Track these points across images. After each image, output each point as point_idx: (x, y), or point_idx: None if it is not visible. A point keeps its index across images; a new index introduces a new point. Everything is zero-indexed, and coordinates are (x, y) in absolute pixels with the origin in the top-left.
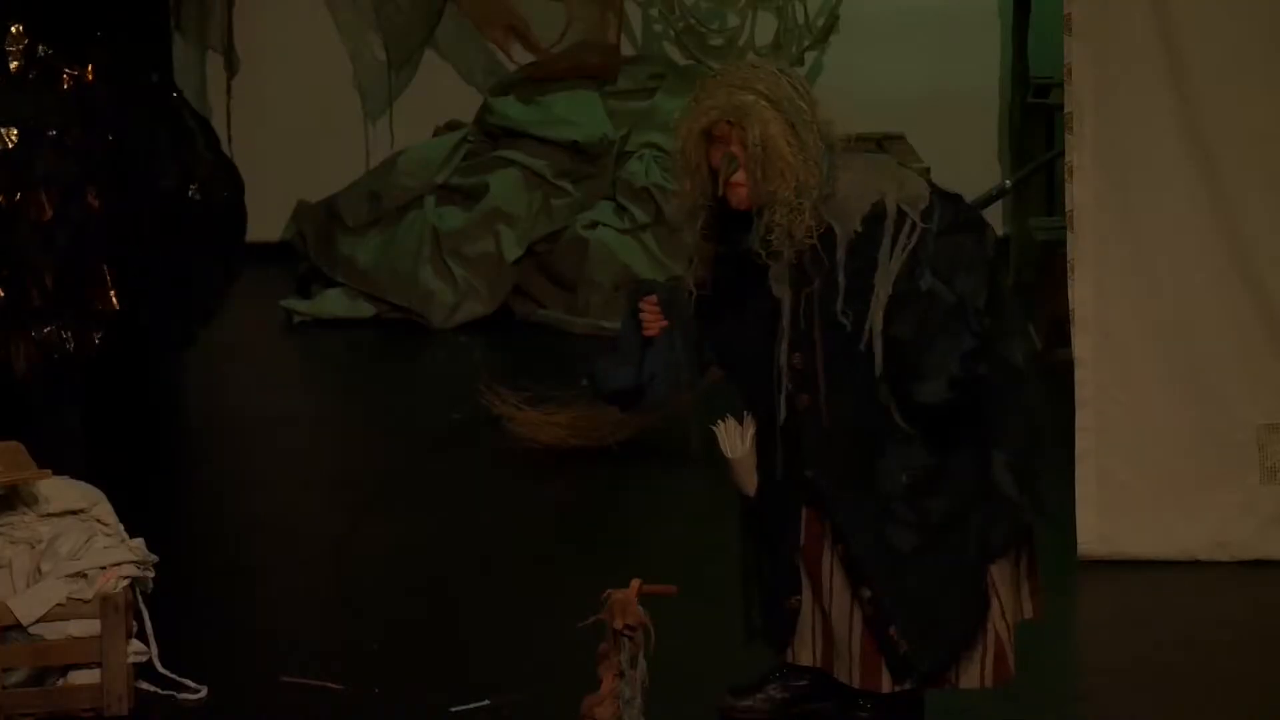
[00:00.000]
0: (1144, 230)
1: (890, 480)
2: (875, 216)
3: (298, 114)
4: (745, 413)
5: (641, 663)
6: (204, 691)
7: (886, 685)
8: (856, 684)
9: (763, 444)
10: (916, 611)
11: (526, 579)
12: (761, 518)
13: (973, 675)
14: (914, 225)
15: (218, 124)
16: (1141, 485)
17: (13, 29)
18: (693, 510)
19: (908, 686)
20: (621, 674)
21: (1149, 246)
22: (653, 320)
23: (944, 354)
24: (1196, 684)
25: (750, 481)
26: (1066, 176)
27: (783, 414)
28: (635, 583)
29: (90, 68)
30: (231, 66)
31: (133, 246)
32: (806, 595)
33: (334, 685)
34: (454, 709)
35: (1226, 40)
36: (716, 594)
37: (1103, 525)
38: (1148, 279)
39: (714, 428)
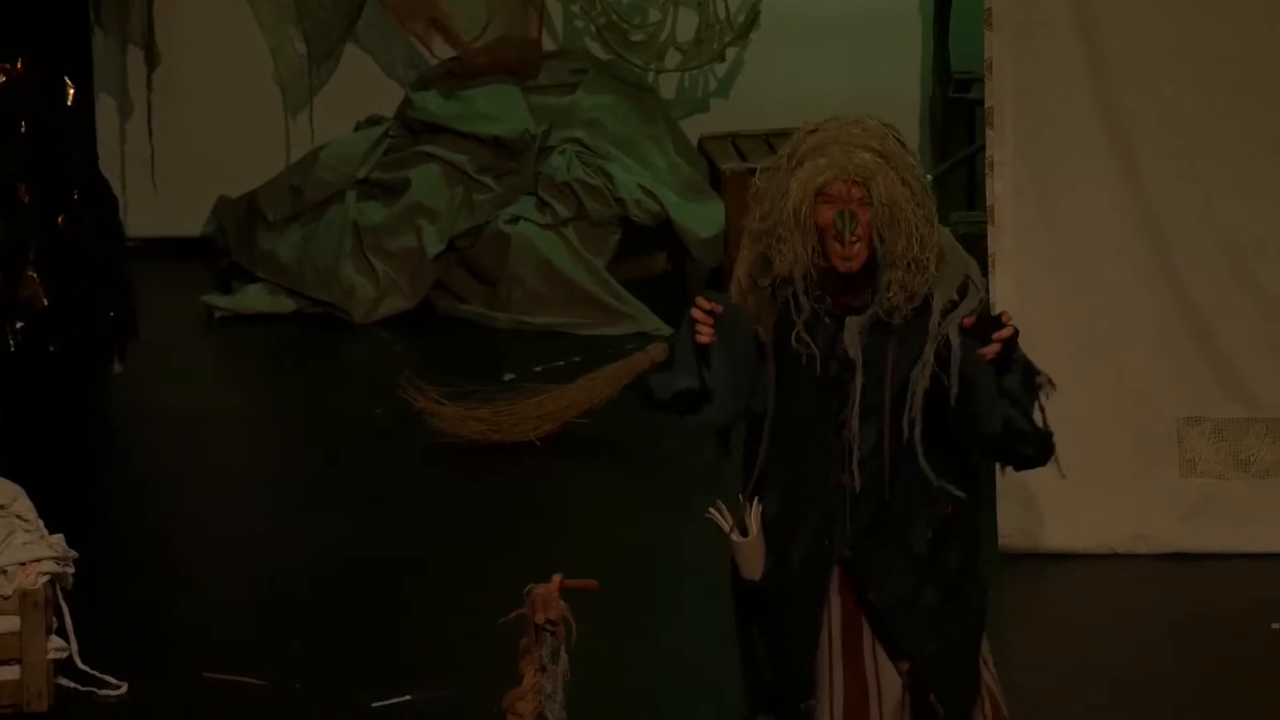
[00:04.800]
0: (1064, 224)
1: (921, 539)
2: (962, 289)
3: (218, 108)
4: (741, 494)
5: (563, 657)
6: (124, 688)
7: None
8: None
9: (789, 522)
10: (945, 669)
11: (448, 574)
12: (766, 607)
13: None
14: (982, 302)
15: (138, 118)
16: (1061, 479)
17: None
18: (614, 505)
19: None
20: (543, 668)
21: (1069, 240)
22: (706, 325)
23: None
24: (1117, 675)
25: (758, 566)
26: (987, 171)
27: (858, 483)
28: (556, 578)
29: (20, 63)
30: (152, 61)
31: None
32: (837, 688)
33: (255, 681)
34: (375, 704)
35: (1148, 35)
36: (638, 589)
37: (1023, 519)
38: (1068, 273)
39: (715, 510)
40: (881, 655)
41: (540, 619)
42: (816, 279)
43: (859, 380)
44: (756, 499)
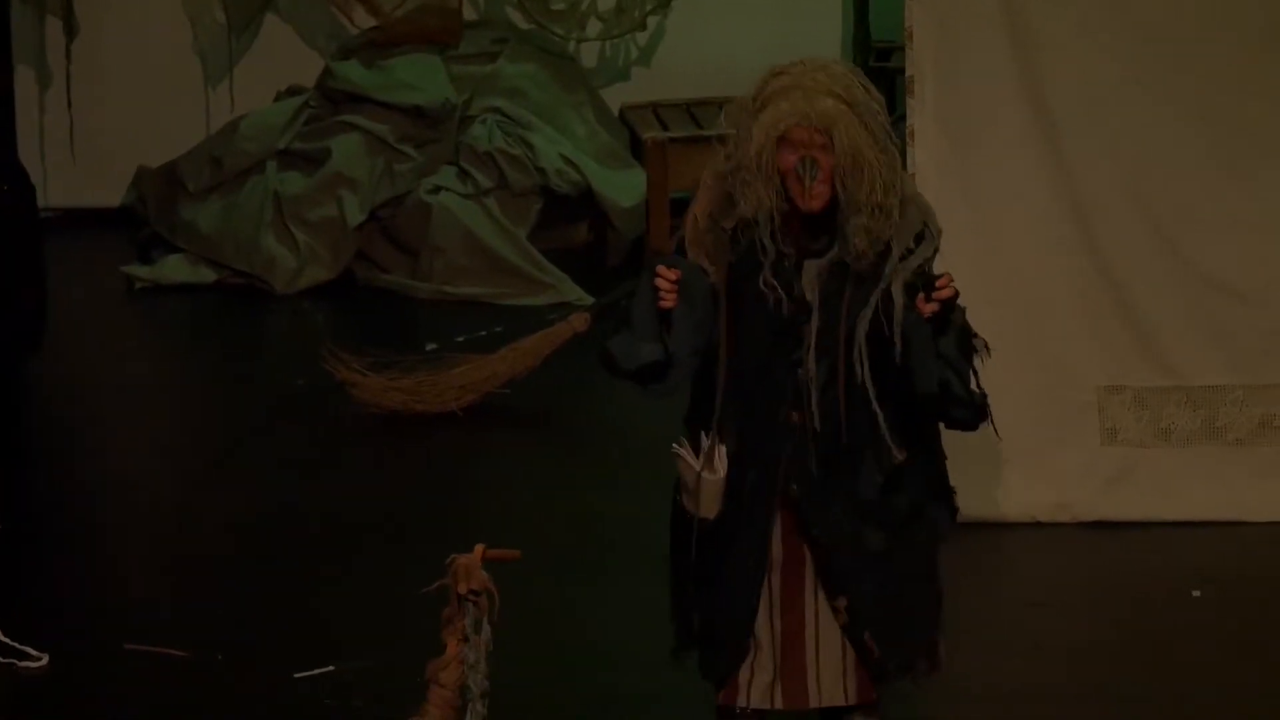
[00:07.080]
0: (985, 193)
1: (869, 484)
2: (919, 237)
3: (138, 78)
4: (704, 431)
5: (486, 627)
6: (45, 659)
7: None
8: (853, 699)
9: (741, 460)
10: (885, 612)
11: (370, 544)
12: (712, 545)
13: (921, 668)
14: (936, 250)
15: (57, 89)
16: (984, 447)
17: None
18: (536, 475)
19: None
20: (466, 639)
21: (990, 209)
22: (670, 292)
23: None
24: (1040, 643)
25: (716, 504)
26: (907, 140)
27: (818, 421)
28: (479, 548)
29: None
30: (71, 31)
31: None
32: (770, 627)
33: (177, 652)
34: (298, 675)
35: (1068, 4)
36: (560, 558)
37: None
38: (989, 241)
39: (679, 448)
40: (823, 600)
41: (463, 589)
42: (780, 223)
43: (815, 322)
44: (713, 435)
